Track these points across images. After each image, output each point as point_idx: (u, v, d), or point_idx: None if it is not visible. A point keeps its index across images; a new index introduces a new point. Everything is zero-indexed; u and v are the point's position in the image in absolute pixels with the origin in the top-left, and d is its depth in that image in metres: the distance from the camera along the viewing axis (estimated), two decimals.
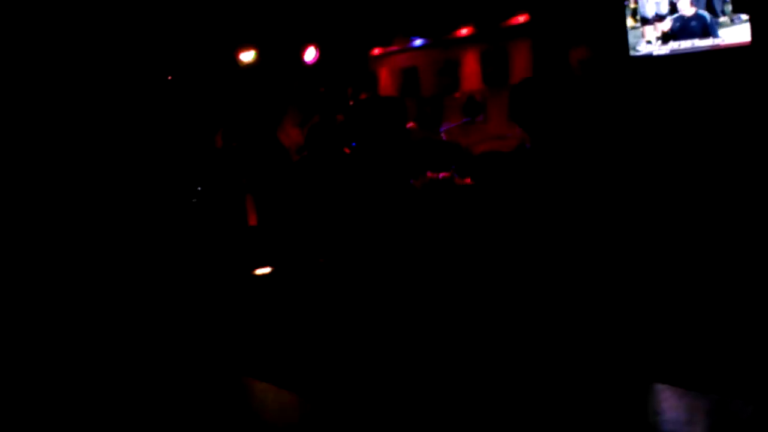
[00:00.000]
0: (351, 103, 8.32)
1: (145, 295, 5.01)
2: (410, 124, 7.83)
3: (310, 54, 8.89)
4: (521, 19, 7.64)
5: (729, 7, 5.59)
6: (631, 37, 6.17)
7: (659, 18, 6.01)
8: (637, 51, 6.14)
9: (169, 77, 9.25)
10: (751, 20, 5.49)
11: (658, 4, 6.02)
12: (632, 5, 6.14)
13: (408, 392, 2.83)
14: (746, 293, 3.99)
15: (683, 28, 5.89)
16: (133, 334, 4.02)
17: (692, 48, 5.84)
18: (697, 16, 5.80)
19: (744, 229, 4.85)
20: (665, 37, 5.98)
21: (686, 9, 5.86)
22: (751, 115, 5.53)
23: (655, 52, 6.07)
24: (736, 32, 5.56)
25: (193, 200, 7.66)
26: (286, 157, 7.57)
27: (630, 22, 6.17)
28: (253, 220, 6.84)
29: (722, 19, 5.65)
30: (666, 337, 3.51)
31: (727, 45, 5.63)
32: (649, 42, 6.07)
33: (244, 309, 4.56)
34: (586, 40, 6.58)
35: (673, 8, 5.93)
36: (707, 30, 5.72)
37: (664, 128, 5.97)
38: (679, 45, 5.91)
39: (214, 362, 3.38)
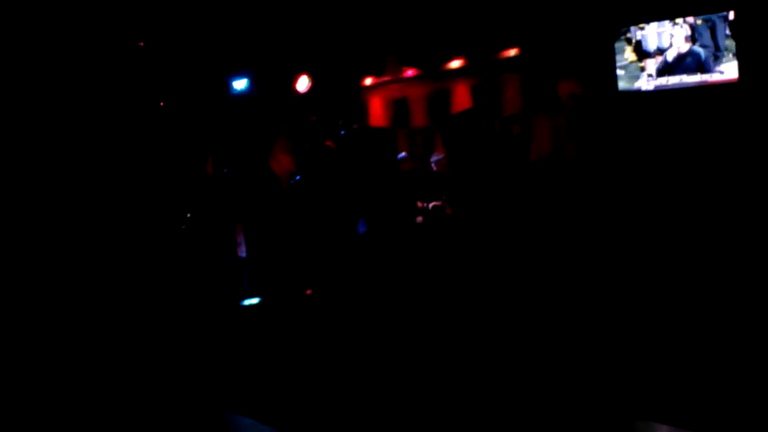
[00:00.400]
0: (342, 132, 8.35)
1: (130, 322, 4.97)
2: (401, 155, 7.85)
3: (303, 83, 8.93)
4: (512, 52, 7.71)
5: (730, 42, 5.61)
6: (632, 70, 6.20)
7: (660, 52, 6.05)
8: (634, 86, 6.17)
9: (161, 103, 9.27)
10: (738, 57, 5.56)
11: (660, 35, 6.06)
12: (635, 39, 6.15)
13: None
14: (727, 326, 3.99)
15: (677, 64, 5.95)
16: (117, 363, 3.98)
17: (680, 84, 5.91)
18: (691, 53, 5.86)
19: (729, 259, 4.87)
20: (660, 72, 6.03)
21: (681, 45, 5.91)
22: (736, 148, 5.58)
23: (644, 88, 6.13)
24: (731, 68, 5.61)
25: (182, 227, 7.62)
26: (277, 185, 7.57)
27: (631, 56, 6.21)
28: (241, 250, 6.81)
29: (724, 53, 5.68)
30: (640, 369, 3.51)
31: (714, 81, 5.69)
32: (650, 75, 6.11)
33: (231, 341, 4.52)
34: (575, 74, 6.64)
35: (658, 49, 6.00)
36: (702, 66, 5.76)
37: (647, 163, 6.02)
38: (667, 81, 5.97)
39: (198, 395, 3.35)
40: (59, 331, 4.65)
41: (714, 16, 5.62)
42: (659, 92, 6.07)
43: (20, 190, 5.86)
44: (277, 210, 6.61)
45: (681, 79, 5.91)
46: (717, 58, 5.69)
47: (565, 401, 3.16)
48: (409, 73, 9.08)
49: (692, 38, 5.80)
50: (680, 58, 5.90)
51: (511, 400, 3.20)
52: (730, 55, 5.62)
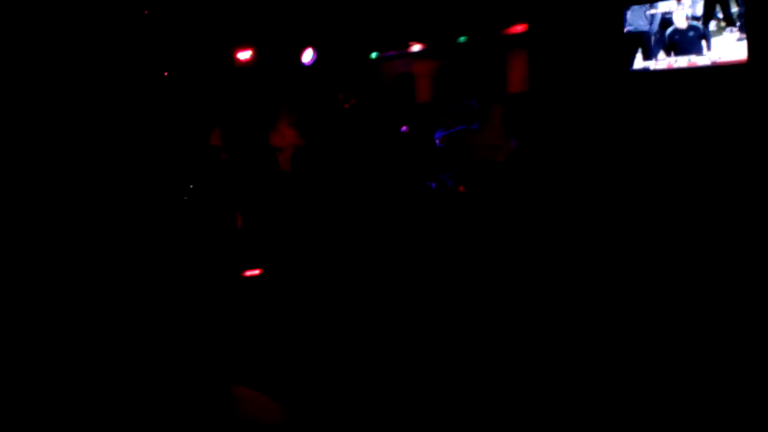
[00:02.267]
0: (346, 106, 8.32)
1: (134, 295, 4.98)
2: (404, 128, 7.82)
3: (308, 55, 8.87)
4: (519, 28, 7.64)
5: (720, 16, 5.58)
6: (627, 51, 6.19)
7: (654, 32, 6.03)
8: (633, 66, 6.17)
9: (165, 73, 9.22)
10: (747, 39, 5.51)
11: (653, 17, 6.04)
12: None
13: (394, 406, 2.82)
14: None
15: (681, 41, 5.91)
16: (121, 336, 3.99)
17: (688, 65, 5.88)
18: (691, 27, 5.82)
19: (735, 241, 4.88)
20: (666, 50, 6.00)
21: (681, 22, 5.87)
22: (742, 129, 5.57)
23: (652, 67, 6.09)
24: (730, 46, 5.58)
25: (185, 198, 7.62)
26: (275, 160, 7.57)
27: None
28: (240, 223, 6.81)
29: (712, 28, 5.66)
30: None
31: (724, 62, 5.65)
32: (646, 57, 6.10)
33: (234, 312, 4.53)
34: (583, 53, 6.60)
35: (667, 23, 5.95)
36: (706, 38, 5.71)
37: (657, 141, 6.00)
38: (676, 61, 5.93)
39: (204, 368, 3.36)
40: (61, 300, 4.66)
41: None
42: (668, 72, 6.04)
43: (17, 162, 5.84)
44: (278, 184, 6.60)
45: (689, 59, 5.88)
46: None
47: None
48: (416, 47, 9.01)
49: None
50: (683, 33, 5.87)
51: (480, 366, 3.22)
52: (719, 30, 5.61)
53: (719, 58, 5.68)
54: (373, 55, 9.51)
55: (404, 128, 7.78)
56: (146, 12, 7.77)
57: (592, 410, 2.95)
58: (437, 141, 7.49)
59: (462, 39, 8.40)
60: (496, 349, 3.54)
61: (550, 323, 3.87)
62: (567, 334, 3.73)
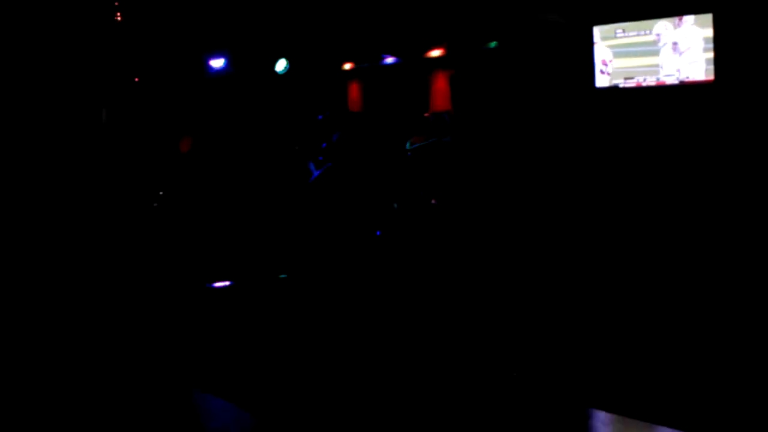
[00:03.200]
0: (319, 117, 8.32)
1: (100, 300, 4.91)
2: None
3: (281, 65, 8.88)
4: (492, 45, 7.71)
5: None
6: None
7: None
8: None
9: (136, 79, 9.14)
10: (715, 60, 5.62)
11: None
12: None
13: (365, 414, 2.81)
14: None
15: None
16: (87, 342, 3.93)
17: (657, 83, 5.98)
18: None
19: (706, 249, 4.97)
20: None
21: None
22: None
23: (621, 85, 6.20)
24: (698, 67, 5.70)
25: (155, 204, 7.55)
26: (250, 166, 7.54)
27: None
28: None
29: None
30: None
31: (692, 81, 5.76)
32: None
33: (201, 321, 4.49)
34: (552, 70, 6.69)
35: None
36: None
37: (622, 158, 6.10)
38: (645, 79, 6.03)
39: (168, 374, 3.32)
40: (26, 303, 4.59)
41: None
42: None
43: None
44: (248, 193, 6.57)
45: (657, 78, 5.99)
46: None
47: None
48: (389, 60, 9.06)
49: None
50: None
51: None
52: None
53: (687, 77, 5.79)
54: (347, 66, 9.54)
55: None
56: (118, 17, 7.71)
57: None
58: (408, 153, 7.49)
59: (436, 53, 8.49)
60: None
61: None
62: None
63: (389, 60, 9.02)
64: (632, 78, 6.11)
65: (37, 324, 4.28)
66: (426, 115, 8.76)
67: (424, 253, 5.17)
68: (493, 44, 7.58)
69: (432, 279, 4.76)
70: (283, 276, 5.34)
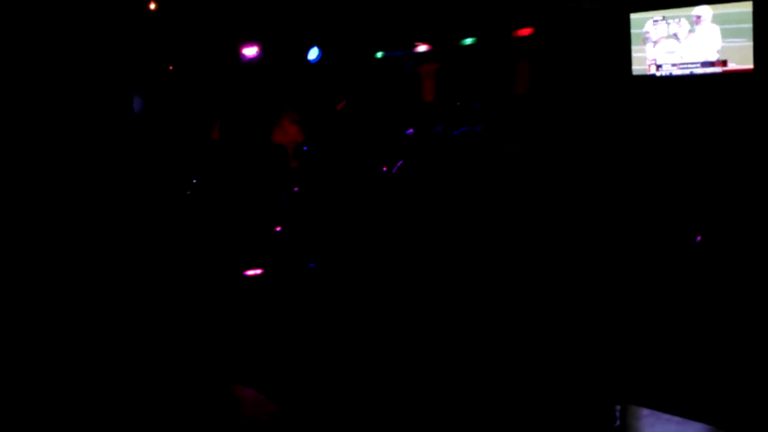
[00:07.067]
0: (338, 108, 8.33)
1: (136, 293, 4.96)
2: (409, 131, 7.79)
3: (314, 53, 8.87)
4: (526, 33, 7.62)
5: None
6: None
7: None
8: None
9: (170, 67, 9.21)
10: (754, 47, 5.50)
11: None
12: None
13: (394, 407, 2.81)
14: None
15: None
16: (122, 334, 3.98)
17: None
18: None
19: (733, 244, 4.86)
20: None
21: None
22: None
23: (658, 73, 6.09)
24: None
25: (188, 192, 7.61)
26: (281, 156, 7.56)
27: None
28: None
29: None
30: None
31: (732, 70, 5.65)
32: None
33: (235, 312, 4.51)
34: (588, 58, 6.59)
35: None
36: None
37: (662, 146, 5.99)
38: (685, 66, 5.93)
39: (204, 368, 3.35)
40: (64, 298, 4.65)
41: None
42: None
43: (21, 154, 5.83)
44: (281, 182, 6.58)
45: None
46: None
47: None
48: (422, 48, 8.99)
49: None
50: None
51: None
52: None
53: (728, 66, 5.68)
54: (379, 54, 9.50)
55: (410, 130, 7.74)
56: (153, 7, 7.76)
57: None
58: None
59: (468, 41, 8.40)
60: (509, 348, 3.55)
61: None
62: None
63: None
64: (674, 64, 6.00)
65: (72, 311, 4.35)
66: (458, 104, 8.71)
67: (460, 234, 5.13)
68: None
69: (476, 272, 4.73)
70: (312, 265, 5.35)
